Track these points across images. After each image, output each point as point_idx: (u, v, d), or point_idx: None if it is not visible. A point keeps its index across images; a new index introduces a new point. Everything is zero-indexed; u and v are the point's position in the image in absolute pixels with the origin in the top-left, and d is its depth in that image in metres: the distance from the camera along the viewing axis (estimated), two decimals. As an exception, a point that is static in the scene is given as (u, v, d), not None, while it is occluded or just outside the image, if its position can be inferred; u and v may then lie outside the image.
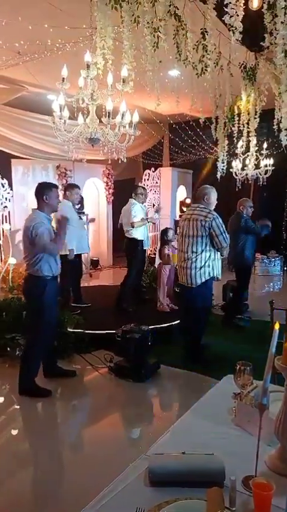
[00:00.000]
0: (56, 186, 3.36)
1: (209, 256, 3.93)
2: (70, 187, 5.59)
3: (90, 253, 8.95)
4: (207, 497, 1.09)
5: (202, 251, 3.92)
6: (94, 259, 9.25)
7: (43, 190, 3.34)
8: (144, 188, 6.22)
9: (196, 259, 3.94)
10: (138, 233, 5.64)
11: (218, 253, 4.03)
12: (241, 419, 1.56)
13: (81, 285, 7.33)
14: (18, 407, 3.45)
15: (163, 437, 1.49)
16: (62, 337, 4.27)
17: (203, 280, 3.96)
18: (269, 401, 1.51)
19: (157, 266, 6.38)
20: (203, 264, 3.93)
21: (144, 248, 5.94)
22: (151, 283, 6.63)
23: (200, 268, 3.94)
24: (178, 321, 4.77)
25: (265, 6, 2.59)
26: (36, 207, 3.38)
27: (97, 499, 1.16)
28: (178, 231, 4.27)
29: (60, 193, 5.61)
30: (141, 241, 5.74)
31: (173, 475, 1.22)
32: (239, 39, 2.47)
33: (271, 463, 1.33)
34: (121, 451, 2.74)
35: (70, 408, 3.54)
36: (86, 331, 4.49)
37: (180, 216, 4.34)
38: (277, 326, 1.17)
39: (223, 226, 3.93)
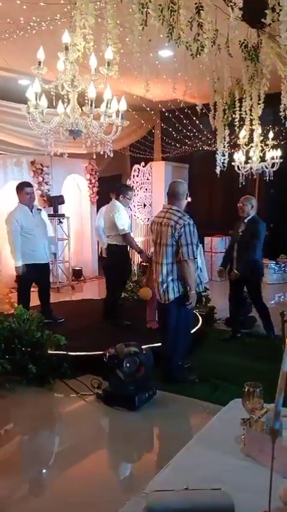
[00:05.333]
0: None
1: None
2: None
3: (71, 262, 8.97)
4: (215, 537, 1.12)
5: (173, 262, 3.97)
6: (76, 268, 9.24)
7: None
8: (132, 189, 6.27)
9: (167, 271, 3.99)
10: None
11: (198, 261, 4.08)
12: (251, 449, 1.59)
13: (63, 299, 7.39)
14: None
15: (162, 472, 1.51)
16: (39, 361, 4.26)
17: (177, 295, 4.02)
18: (283, 426, 1.54)
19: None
20: (176, 276, 3.99)
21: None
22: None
23: (173, 280, 4.00)
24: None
25: (267, -22, 2.68)
26: None
27: None
28: (152, 238, 4.28)
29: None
30: (126, 246, 5.79)
31: (175, 514, 1.24)
32: (239, 15, 2.54)
33: (286, 496, 1.36)
34: (113, 490, 2.74)
35: (52, 443, 3.53)
36: (70, 353, 4.49)
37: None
38: (289, 340, 1.20)
39: (194, 236, 3.94)
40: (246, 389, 1.65)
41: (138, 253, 5.85)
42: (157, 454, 3.40)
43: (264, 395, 1.66)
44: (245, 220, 5.34)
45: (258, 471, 1.46)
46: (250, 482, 1.42)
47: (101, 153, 3.34)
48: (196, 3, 3.20)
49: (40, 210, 5.85)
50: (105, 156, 3.37)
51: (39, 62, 2.83)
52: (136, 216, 9.24)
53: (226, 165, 5.84)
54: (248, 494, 1.34)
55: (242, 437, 1.66)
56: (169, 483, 1.40)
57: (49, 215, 8.16)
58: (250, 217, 5.34)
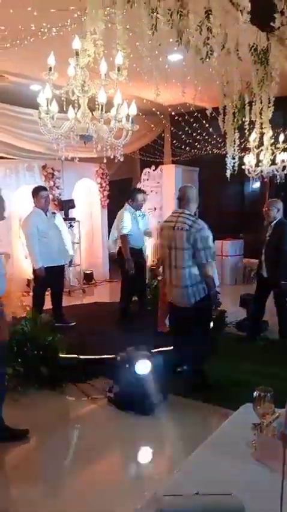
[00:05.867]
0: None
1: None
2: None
3: (82, 266, 9.00)
4: None
5: (192, 265, 3.95)
6: (87, 272, 9.27)
7: None
8: (143, 192, 6.32)
9: (186, 275, 3.96)
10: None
11: (213, 262, 4.09)
12: (262, 454, 1.58)
13: (74, 303, 7.42)
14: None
15: (173, 476, 1.51)
16: (51, 363, 4.29)
17: (198, 298, 3.99)
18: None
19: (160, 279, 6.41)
20: (195, 280, 3.96)
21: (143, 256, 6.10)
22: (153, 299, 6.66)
23: (192, 285, 3.97)
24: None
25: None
26: None
27: None
28: (161, 242, 4.26)
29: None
30: (135, 249, 5.87)
31: (186, 519, 1.24)
32: (248, 19, 2.54)
33: (298, 503, 1.34)
34: (125, 495, 2.74)
35: (63, 447, 3.54)
36: (81, 357, 4.50)
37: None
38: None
39: (210, 239, 3.95)
40: (257, 394, 1.63)
41: (125, 259, 5.78)
42: (168, 458, 3.39)
43: (277, 400, 1.64)
44: (272, 224, 5.31)
45: (269, 476, 1.45)
46: (260, 488, 1.40)
47: (111, 157, 3.36)
48: (205, 8, 3.20)
49: (55, 213, 5.93)
50: (115, 160, 3.39)
51: (50, 68, 2.86)
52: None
53: (236, 168, 5.82)
54: (259, 500, 1.33)
55: (253, 442, 1.65)
56: (180, 487, 1.40)
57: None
58: (276, 220, 5.31)
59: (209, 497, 1.31)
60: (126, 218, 5.75)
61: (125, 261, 5.74)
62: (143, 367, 3.82)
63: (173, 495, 1.33)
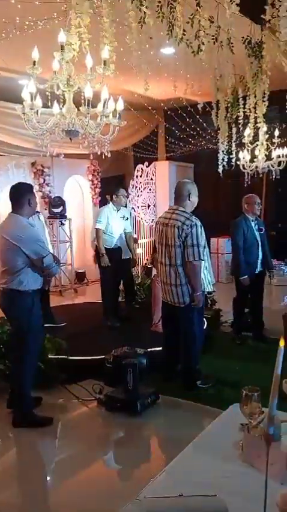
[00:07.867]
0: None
1: None
2: None
3: (74, 265, 8.98)
4: None
5: (185, 263, 3.94)
6: (79, 271, 9.26)
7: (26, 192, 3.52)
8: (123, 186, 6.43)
9: (179, 273, 3.95)
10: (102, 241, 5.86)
11: (206, 262, 4.09)
12: (249, 455, 1.59)
13: (65, 303, 7.42)
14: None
15: (157, 478, 1.52)
16: (42, 364, 4.28)
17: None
18: (280, 431, 1.55)
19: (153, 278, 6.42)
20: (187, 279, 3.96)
21: (122, 258, 6.06)
22: (146, 299, 6.67)
23: (186, 283, 3.96)
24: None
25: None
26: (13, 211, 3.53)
27: None
28: (155, 238, 4.27)
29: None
30: (109, 249, 5.88)
31: (167, 521, 1.25)
32: (237, 11, 2.55)
33: (283, 504, 1.35)
34: (114, 496, 2.76)
35: (53, 449, 3.55)
36: (71, 358, 4.51)
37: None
38: (282, 343, 1.19)
39: (201, 237, 3.94)
40: (243, 394, 1.65)
41: (99, 254, 5.84)
42: (158, 458, 3.43)
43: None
44: (257, 219, 5.48)
45: (255, 477, 1.46)
46: (246, 489, 1.42)
47: (99, 153, 3.36)
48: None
49: (38, 212, 5.90)
50: (103, 157, 3.39)
51: (34, 62, 2.85)
52: (140, 217, 9.23)
53: (233, 163, 5.83)
54: (243, 501, 1.34)
55: (241, 442, 1.67)
56: (164, 489, 1.41)
57: (49, 217, 8.20)
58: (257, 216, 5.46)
59: (193, 499, 1.32)
60: (104, 214, 5.89)
61: (101, 256, 5.81)
62: (133, 367, 3.82)
63: (155, 497, 1.34)
